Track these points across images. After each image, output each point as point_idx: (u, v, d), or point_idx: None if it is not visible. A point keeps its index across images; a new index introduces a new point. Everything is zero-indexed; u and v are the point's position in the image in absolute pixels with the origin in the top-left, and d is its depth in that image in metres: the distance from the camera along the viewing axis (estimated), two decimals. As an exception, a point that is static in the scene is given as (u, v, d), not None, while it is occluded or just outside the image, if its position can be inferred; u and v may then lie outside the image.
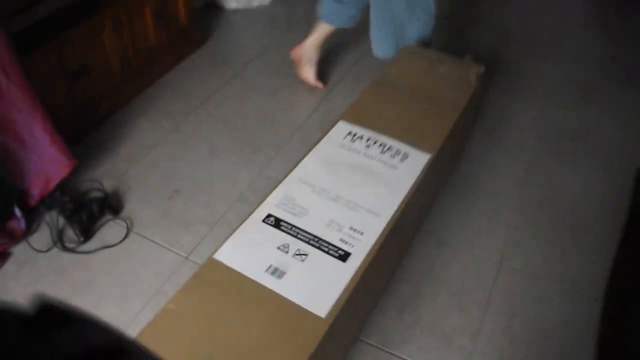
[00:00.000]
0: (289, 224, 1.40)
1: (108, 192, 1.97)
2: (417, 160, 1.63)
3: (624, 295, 1.31)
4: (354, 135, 1.70)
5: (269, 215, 1.43)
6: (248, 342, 1.15)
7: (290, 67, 2.53)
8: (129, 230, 1.87)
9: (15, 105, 1.76)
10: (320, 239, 1.37)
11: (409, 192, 1.51)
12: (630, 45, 2.87)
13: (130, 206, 1.95)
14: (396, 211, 1.45)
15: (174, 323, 1.19)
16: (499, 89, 2.53)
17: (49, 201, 1.90)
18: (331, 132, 1.73)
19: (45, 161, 1.88)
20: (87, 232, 1.84)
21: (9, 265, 1.77)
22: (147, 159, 2.13)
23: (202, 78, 2.54)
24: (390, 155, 1.63)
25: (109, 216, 1.91)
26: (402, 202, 1.48)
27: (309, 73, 2.44)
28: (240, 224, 1.41)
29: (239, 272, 1.28)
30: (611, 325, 1.33)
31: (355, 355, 1.54)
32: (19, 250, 1.81)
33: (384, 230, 1.40)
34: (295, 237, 1.37)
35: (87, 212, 1.87)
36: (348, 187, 1.51)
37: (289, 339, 1.16)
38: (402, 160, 1.62)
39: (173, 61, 2.60)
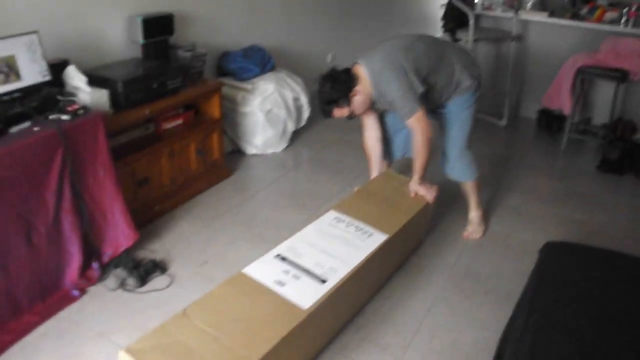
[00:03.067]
0: (291, 260, 2.27)
1: (158, 258, 2.80)
2: (377, 237, 2.49)
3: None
4: (338, 219, 2.60)
5: (279, 255, 2.31)
6: (256, 317, 1.95)
7: (288, 193, 3.46)
8: (171, 282, 2.67)
9: (106, 191, 2.66)
10: (309, 270, 2.22)
11: (369, 254, 2.37)
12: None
13: (173, 268, 2.77)
14: (359, 262, 2.31)
15: (214, 302, 2.01)
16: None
17: (117, 261, 2.72)
18: (323, 216, 2.62)
19: (118, 233, 2.74)
20: (142, 281, 2.64)
21: (86, 298, 2.56)
22: (185, 242, 2.98)
23: (227, 197, 3.46)
24: (361, 233, 2.50)
25: (157, 272, 2.71)
26: (363, 258, 2.34)
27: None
28: (260, 257, 2.28)
29: (256, 281, 2.13)
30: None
31: None
32: (94, 290, 2.61)
33: (350, 271, 2.25)
34: (294, 267, 2.22)
35: (143, 268, 2.68)
36: (330, 246, 2.39)
37: (279, 317, 1.96)
38: (368, 236, 2.49)
39: (207, 185, 3.55)
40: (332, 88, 2.62)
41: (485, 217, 3.25)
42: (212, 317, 1.93)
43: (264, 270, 2.19)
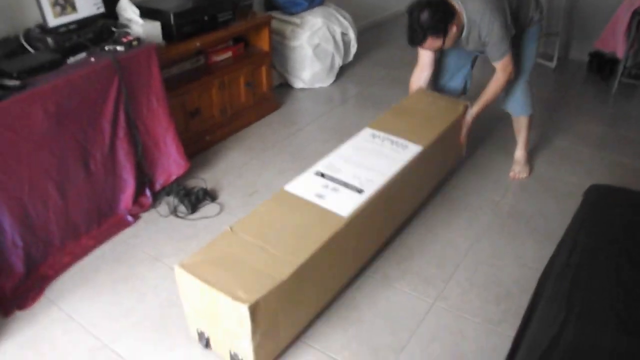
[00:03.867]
0: (329, 175, 2.35)
1: (208, 187, 2.90)
2: (413, 149, 2.55)
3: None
4: (374, 135, 2.66)
5: (318, 171, 2.39)
6: (298, 227, 2.04)
7: (335, 127, 3.49)
8: (221, 210, 2.77)
9: (159, 121, 2.74)
10: (347, 183, 2.29)
11: (404, 164, 2.44)
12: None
13: (223, 197, 2.87)
14: (395, 172, 2.38)
15: (259, 218, 2.11)
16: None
17: (169, 188, 2.83)
18: (360, 133, 2.69)
19: (170, 162, 2.84)
20: (193, 208, 2.75)
21: (140, 223, 2.69)
22: (235, 172, 3.07)
23: (275, 130, 3.52)
24: (396, 146, 2.57)
25: (208, 200, 2.82)
26: (399, 168, 2.41)
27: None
28: (302, 174, 2.36)
29: (298, 196, 2.22)
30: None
31: (301, 356, 2.06)
32: (147, 216, 2.73)
33: (386, 180, 2.33)
34: (332, 182, 2.31)
35: (194, 196, 2.79)
36: (366, 160, 2.46)
37: (320, 225, 2.05)
38: (403, 149, 2.55)
39: (256, 117, 3.61)
40: (432, 17, 2.50)
41: (531, 158, 3.24)
42: (258, 230, 2.04)
43: (304, 186, 2.28)
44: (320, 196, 2.20)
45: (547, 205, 2.88)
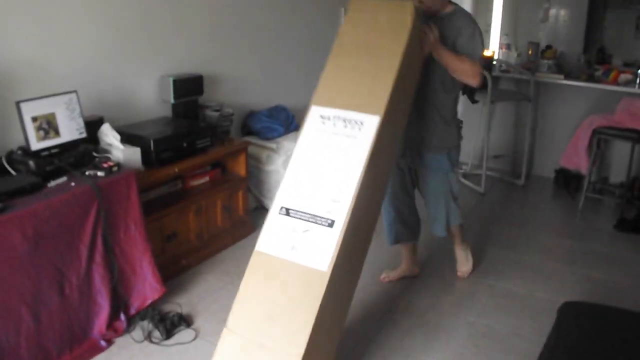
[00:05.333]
0: (295, 210, 2.13)
1: (184, 312, 2.86)
2: (369, 124, 2.15)
3: None
4: (323, 117, 2.24)
5: (282, 207, 2.16)
6: (286, 303, 2.03)
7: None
8: (196, 336, 2.73)
9: (136, 245, 2.76)
10: (315, 215, 2.09)
11: (365, 159, 2.11)
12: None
13: (199, 322, 2.83)
14: (358, 179, 2.09)
15: (247, 302, 2.10)
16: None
17: (143, 313, 2.79)
18: (308, 118, 2.27)
19: (146, 286, 2.82)
20: (168, 334, 2.71)
21: (113, 349, 2.63)
22: (211, 297, 3.05)
23: (251, 253, 3.53)
24: (350, 128, 2.18)
25: (183, 326, 2.78)
26: (361, 169, 2.09)
27: None
28: (268, 215, 2.18)
29: (272, 256, 2.13)
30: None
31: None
32: (120, 341, 2.67)
33: (354, 191, 2.08)
34: (300, 219, 2.11)
35: (169, 321, 2.75)
36: (326, 162, 2.16)
37: (305, 292, 2.01)
38: (359, 129, 2.17)
39: (232, 241, 3.64)
40: None
41: (473, 253, 3.40)
42: (251, 322, 2.03)
43: (275, 237, 2.13)
44: (293, 248, 2.08)
45: (522, 324, 2.90)
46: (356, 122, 2.17)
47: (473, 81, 2.69)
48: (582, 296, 3.04)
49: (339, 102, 2.24)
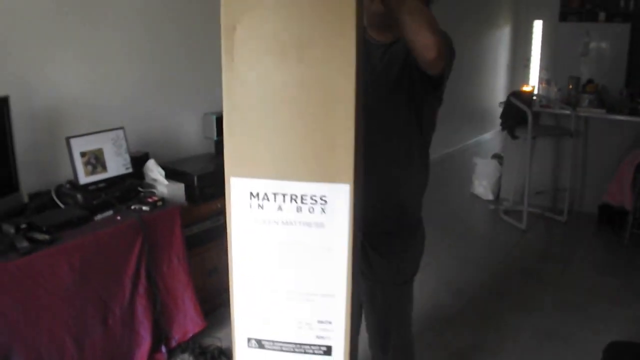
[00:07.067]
0: (270, 341, 1.38)
1: (223, 346, 2.89)
2: (339, 199, 1.24)
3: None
4: (257, 196, 1.27)
5: (250, 340, 1.40)
6: None
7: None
8: (236, 369, 2.74)
9: (178, 279, 2.81)
10: (301, 344, 1.36)
11: (347, 255, 1.27)
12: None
13: (238, 355, 2.84)
14: (346, 283, 1.29)
15: None
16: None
17: (184, 346, 2.82)
18: (232, 199, 1.29)
19: (187, 319, 2.86)
20: (208, 368, 2.73)
21: (156, 383, 2.65)
22: (250, 330, 3.06)
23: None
24: (309, 210, 1.25)
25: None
26: (345, 272, 1.29)
27: None
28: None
29: None
30: None
31: None
32: (162, 375, 2.70)
33: (345, 316, 1.32)
34: (280, 350, 1.37)
35: (209, 354, 2.78)
36: (292, 272, 1.32)
37: None
38: (322, 209, 1.25)
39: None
40: None
41: None
42: None
43: None
44: None
45: (567, 365, 2.84)
46: (315, 200, 1.25)
47: (430, 42, 1.43)
48: (627, 336, 2.96)
49: (276, 168, 1.26)
